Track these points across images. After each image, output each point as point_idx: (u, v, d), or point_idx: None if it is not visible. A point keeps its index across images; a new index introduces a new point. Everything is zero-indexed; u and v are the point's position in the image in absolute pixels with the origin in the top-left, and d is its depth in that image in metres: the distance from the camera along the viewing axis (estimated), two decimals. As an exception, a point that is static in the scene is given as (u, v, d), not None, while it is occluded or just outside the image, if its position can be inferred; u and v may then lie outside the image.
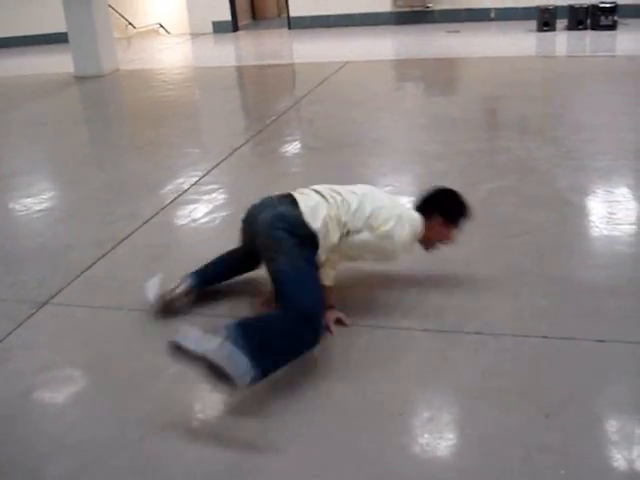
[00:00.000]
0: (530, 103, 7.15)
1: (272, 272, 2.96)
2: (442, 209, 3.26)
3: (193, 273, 3.42)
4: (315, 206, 3.06)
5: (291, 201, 3.12)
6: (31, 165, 6.14)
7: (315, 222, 3.00)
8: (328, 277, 3.18)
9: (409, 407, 2.64)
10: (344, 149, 5.89)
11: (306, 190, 3.23)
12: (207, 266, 3.50)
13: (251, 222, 3.19)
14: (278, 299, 2.92)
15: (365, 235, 3.06)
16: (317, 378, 2.83)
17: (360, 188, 3.25)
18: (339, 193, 3.15)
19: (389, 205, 3.15)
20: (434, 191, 3.35)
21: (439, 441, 2.45)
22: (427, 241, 3.30)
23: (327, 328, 3.07)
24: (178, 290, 3.33)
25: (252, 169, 5.70)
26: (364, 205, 3.09)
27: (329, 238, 3.03)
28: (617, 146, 5.51)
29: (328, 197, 3.12)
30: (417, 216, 3.19)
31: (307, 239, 2.97)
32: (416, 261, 3.71)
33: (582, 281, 3.44)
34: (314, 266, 2.97)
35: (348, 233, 3.07)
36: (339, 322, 3.16)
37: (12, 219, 4.98)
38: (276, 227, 2.98)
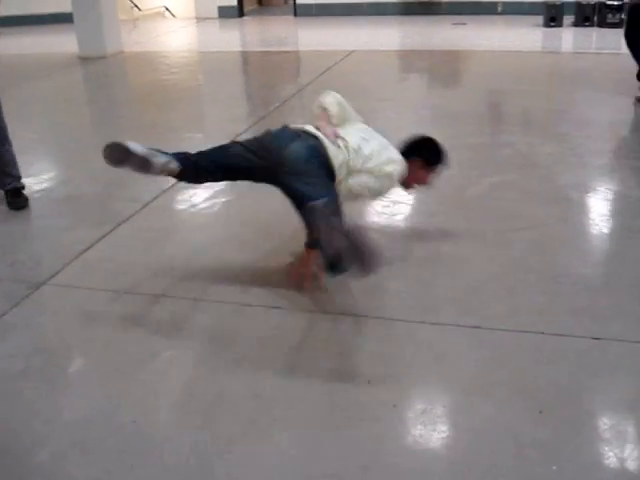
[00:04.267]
0: (534, 98, 7.14)
1: (304, 194, 3.10)
2: (423, 153, 3.57)
3: (183, 158, 3.43)
4: (331, 145, 3.33)
5: (314, 137, 3.36)
6: (32, 145, 6.12)
7: (335, 159, 3.28)
8: None
9: (403, 399, 2.65)
10: (346, 138, 5.86)
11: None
12: (201, 158, 3.48)
13: (277, 147, 3.30)
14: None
15: (364, 176, 3.31)
16: (311, 366, 2.84)
17: (357, 129, 3.49)
18: (342, 138, 3.36)
19: (383, 147, 3.43)
20: (416, 137, 3.64)
21: (432, 433, 2.45)
22: (407, 182, 3.57)
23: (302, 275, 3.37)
24: (162, 161, 3.34)
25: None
26: (363, 146, 3.34)
27: (339, 175, 3.30)
28: (620, 144, 5.52)
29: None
30: (401, 157, 3.43)
31: (331, 173, 3.27)
32: (414, 253, 3.72)
33: (580, 278, 3.44)
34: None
35: (350, 173, 3.32)
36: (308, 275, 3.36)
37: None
38: (312, 158, 3.24)
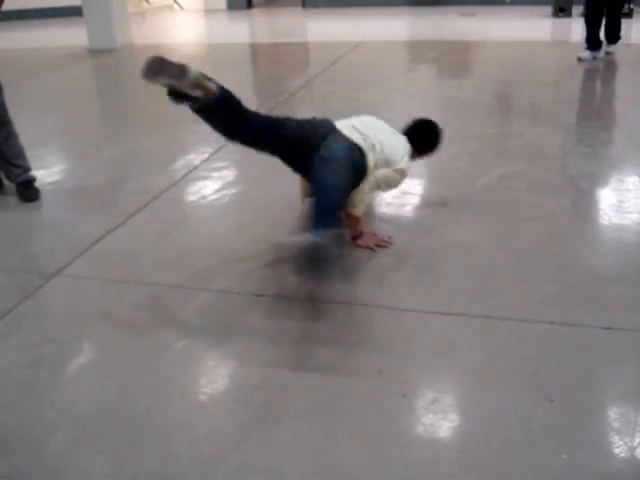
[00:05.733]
0: (543, 89, 7.12)
1: (321, 179, 3.34)
2: (423, 139, 3.99)
3: (226, 90, 3.29)
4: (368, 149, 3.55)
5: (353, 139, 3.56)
6: (43, 137, 6.15)
7: (370, 161, 3.54)
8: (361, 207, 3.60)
9: (413, 388, 2.66)
10: (355, 130, 5.86)
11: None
12: (249, 110, 3.44)
13: (319, 137, 3.49)
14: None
15: (385, 171, 3.62)
16: (321, 355, 2.86)
17: (371, 127, 3.70)
18: (366, 137, 3.57)
19: (398, 142, 3.74)
20: (418, 123, 4.07)
21: (442, 422, 2.46)
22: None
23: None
24: (200, 72, 3.18)
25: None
26: (382, 144, 3.60)
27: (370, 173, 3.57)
28: (629, 134, 5.49)
29: (362, 142, 3.55)
30: (408, 147, 3.79)
31: (362, 172, 3.51)
32: (424, 243, 3.73)
33: (590, 268, 3.44)
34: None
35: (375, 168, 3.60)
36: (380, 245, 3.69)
37: (23, 191, 5.00)
38: (349, 157, 3.42)
